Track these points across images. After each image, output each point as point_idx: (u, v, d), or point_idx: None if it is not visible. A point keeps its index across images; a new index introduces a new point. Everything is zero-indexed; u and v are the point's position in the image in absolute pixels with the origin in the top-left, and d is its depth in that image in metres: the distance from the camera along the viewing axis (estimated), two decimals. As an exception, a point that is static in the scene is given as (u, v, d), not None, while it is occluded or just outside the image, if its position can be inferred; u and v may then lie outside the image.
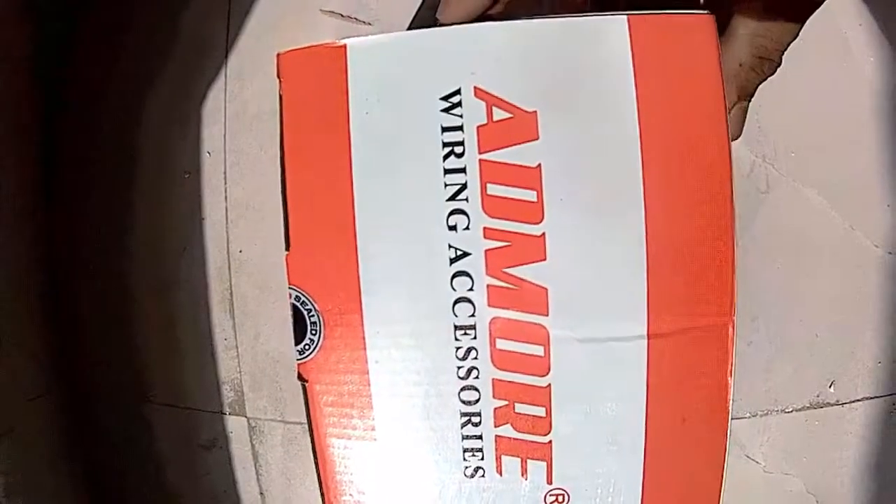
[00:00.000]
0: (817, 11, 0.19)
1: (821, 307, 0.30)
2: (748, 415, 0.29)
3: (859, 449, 0.30)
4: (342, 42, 0.18)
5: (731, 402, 0.19)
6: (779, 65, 0.20)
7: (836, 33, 0.29)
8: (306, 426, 0.34)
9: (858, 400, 0.29)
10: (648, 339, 0.18)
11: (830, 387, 0.30)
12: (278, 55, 0.18)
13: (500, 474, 0.19)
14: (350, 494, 0.19)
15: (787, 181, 0.29)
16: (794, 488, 0.29)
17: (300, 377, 0.19)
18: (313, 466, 0.32)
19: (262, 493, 0.33)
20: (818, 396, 0.30)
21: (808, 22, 0.20)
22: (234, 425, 0.33)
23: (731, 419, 0.19)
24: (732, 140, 0.19)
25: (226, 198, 0.31)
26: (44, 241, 0.32)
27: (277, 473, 0.33)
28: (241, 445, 0.33)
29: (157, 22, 0.32)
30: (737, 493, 0.26)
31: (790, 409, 0.30)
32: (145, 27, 0.33)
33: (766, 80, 0.20)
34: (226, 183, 0.31)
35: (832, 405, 0.29)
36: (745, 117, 0.21)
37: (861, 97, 0.29)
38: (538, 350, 0.18)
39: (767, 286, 0.30)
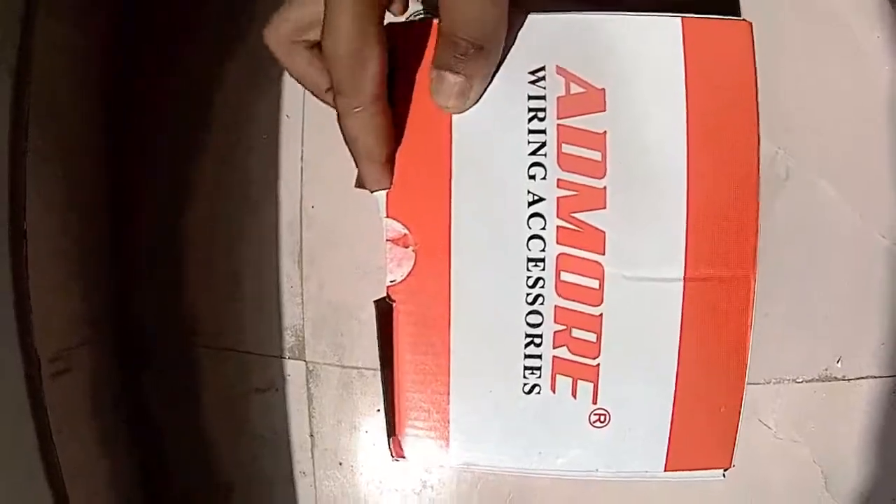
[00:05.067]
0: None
1: (831, 289, 0.31)
2: (762, 381, 0.31)
3: (863, 424, 0.31)
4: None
5: (750, 342, 0.22)
6: None
7: (853, 43, 0.31)
8: (362, 371, 0.36)
9: (864, 377, 0.31)
10: (685, 281, 0.22)
11: (838, 362, 0.32)
12: (392, 25, 0.22)
13: (554, 392, 0.22)
14: (418, 409, 0.23)
15: (804, 172, 0.31)
16: (801, 456, 0.31)
17: (389, 299, 0.23)
18: (364, 409, 0.35)
19: (311, 435, 0.35)
20: (826, 370, 0.32)
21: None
22: (292, 369, 0.35)
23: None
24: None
25: (301, 157, 0.34)
26: (111, 187, 0.33)
27: (329, 416, 0.35)
28: (297, 388, 0.35)
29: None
30: (748, 454, 0.29)
31: (800, 380, 0.32)
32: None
33: None
34: (302, 144, 0.34)
35: (839, 380, 0.31)
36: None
37: (876, 102, 0.31)
38: (594, 283, 0.22)
39: (784, 265, 0.32)
